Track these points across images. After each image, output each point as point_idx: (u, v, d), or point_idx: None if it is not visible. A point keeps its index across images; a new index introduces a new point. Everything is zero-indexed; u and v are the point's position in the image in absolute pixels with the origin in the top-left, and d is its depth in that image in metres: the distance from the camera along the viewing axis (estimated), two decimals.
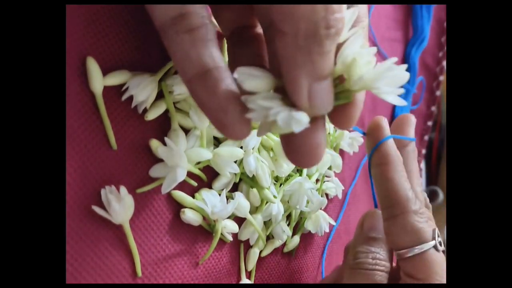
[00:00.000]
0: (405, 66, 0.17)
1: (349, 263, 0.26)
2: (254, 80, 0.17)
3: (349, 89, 0.18)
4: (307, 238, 0.36)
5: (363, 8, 0.21)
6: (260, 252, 0.30)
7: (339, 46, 0.18)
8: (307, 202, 0.32)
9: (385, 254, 0.26)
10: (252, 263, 0.29)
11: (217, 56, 0.18)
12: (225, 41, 0.28)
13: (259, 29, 0.22)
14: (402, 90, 0.18)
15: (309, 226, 0.34)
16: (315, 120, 0.18)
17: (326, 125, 0.19)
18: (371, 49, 0.18)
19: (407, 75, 0.18)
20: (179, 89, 0.23)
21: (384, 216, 0.25)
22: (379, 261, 0.25)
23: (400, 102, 0.18)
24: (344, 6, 0.17)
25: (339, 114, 0.19)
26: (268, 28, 0.19)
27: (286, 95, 0.17)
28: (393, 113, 0.52)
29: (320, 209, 0.34)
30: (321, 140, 0.18)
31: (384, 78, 0.17)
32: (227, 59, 0.28)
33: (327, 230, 0.35)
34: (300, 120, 0.16)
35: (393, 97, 0.18)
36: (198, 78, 0.18)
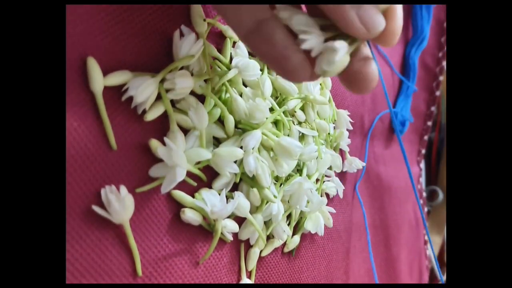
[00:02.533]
0: None
1: None
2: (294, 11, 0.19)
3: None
4: (307, 238, 0.36)
5: None
6: (260, 251, 0.30)
7: None
8: (307, 202, 0.32)
9: None
10: (252, 263, 0.29)
11: (267, 9, 0.19)
12: (227, 40, 0.28)
13: None
14: None
15: (308, 226, 0.34)
16: (362, 51, 0.20)
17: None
18: None
19: None
20: (181, 83, 0.23)
21: None
22: None
23: None
24: None
25: (386, 36, 0.20)
26: None
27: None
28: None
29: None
30: (374, 67, 0.20)
31: None
32: (228, 57, 0.28)
33: (330, 225, 0.35)
34: (338, 48, 0.18)
35: None
36: (253, 32, 0.19)
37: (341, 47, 0.18)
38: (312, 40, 0.18)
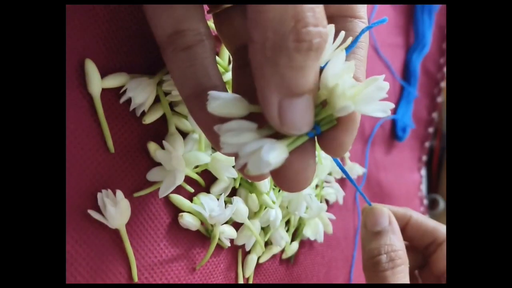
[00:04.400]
0: (383, 76, 0.16)
1: (365, 264, 0.27)
2: (224, 105, 0.16)
3: (332, 114, 0.16)
4: (306, 244, 0.36)
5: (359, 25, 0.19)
6: (258, 258, 0.30)
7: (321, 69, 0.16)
8: (306, 208, 0.31)
9: (399, 243, 0.27)
10: (250, 270, 0.29)
11: (213, 75, 0.18)
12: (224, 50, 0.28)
13: None
14: (386, 104, 0.16)
15: (307, 233, 0.33)
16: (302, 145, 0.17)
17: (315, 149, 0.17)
18: (350, 67, 0.16)
19: (387, 87, 0.16)
20: None
21: None
22: (394, 253, 0.26)
23: (384, 114, 0.16)
24: (324, 18, 0.15)
25: (329, 140, 0.17)
26: None
27: (263, 122, 0.16)
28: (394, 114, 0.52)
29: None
30: (307, 165, 0.17)
31: (371, 101, 0.16)
32: (226, 60, 0.28)
33: (330, 232, 0.35)
34: (268, 162, 0.15)
35: (380, 112, 0.16)
36: (194, 98, 0.18)
37: (268, 157, 0.15)
38: (234, 144, 0.16)
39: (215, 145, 0.19)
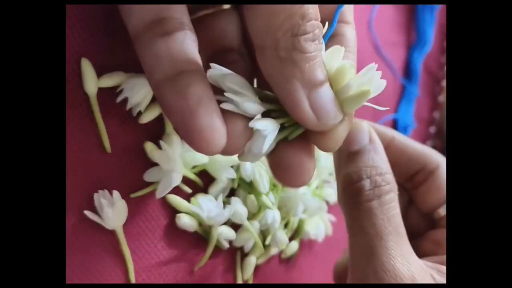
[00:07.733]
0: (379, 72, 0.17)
1: (341, 195, 0.21)
2: (225, 77, 0.16)
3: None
4: (306, 246, 0.36)
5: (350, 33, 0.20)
6: (257, 259, 0.30)
7: None
8: (305, 210, 0.31)
9: (385, 165, 0.21)
10: (248, 272, 0.29)
11: (193, 59, 0.16)
12: None
13: (240, 54, 0.20)
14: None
15: (308, 227, 0.33)
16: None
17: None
18: (338, 50, 0.17)
19: (384, 83, 0.17)
20: None
21: None
22: (379, 177, 0.20)
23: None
24: (318, 12, 0.16)
25: (322, 135, 0.17)
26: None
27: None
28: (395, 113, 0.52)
29: None
30: (308, 158, 0.17)
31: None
32: None
33: (329, 233, 0.35)
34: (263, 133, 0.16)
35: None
36: (168, 80, 0.16)
37: (267, 133, 0.16)
38: (240, 102, 0.16)
39: (186, 133, 0.15)
